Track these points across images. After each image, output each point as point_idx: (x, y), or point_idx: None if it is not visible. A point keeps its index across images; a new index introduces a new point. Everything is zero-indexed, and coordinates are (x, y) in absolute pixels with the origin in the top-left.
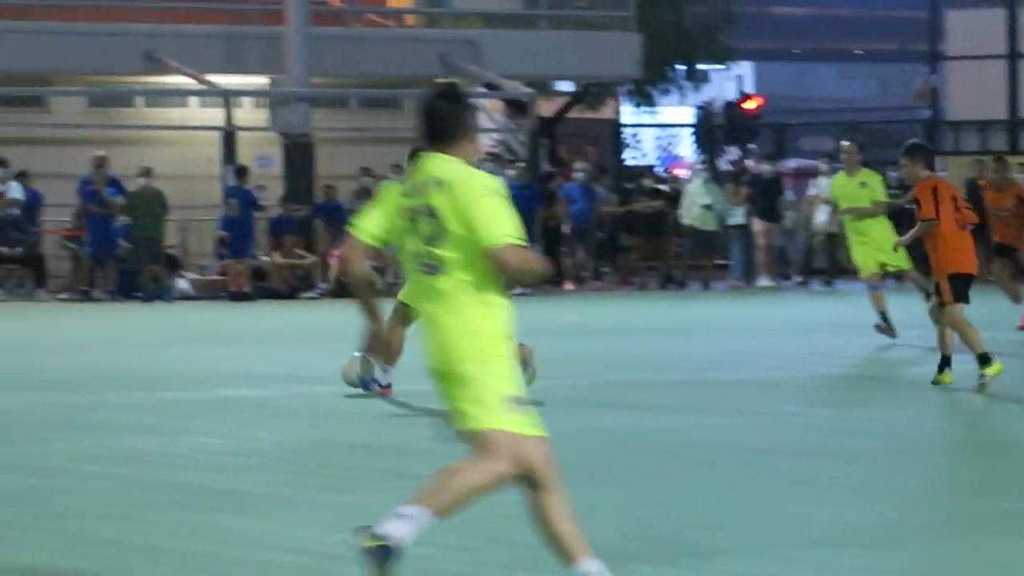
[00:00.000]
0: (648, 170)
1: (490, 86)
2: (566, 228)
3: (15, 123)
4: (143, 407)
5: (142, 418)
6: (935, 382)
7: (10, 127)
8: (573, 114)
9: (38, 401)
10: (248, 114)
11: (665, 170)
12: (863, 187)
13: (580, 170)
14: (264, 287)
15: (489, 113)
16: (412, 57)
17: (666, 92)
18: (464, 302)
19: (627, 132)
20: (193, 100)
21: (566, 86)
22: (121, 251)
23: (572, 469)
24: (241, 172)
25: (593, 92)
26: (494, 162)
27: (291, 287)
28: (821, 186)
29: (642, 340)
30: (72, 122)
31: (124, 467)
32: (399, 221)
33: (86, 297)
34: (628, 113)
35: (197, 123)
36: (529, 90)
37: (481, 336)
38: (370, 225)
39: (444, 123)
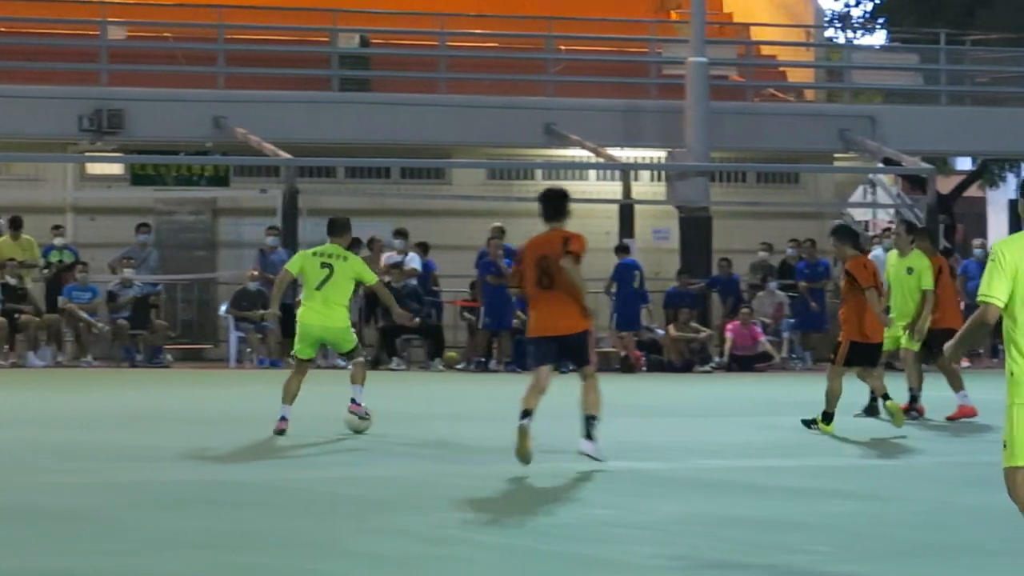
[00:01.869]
0: None
1: (888, 161)
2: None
3: (416, 195)
4: (531, 478)
5: (529, 488)
6: None
7: (411, 198)
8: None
9: (430, 471)
10: (645, 187)
11: None
12: None
13: (979, 247)
14: (658, 360)
15: (887, 188)
16: (811, 132)
17: None
18: None
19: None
20: (591, 173)
21: (963, 163)
22: (517, 323)
23: None
24: (623, 248)
25: (992, 169)
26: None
27: (686, 360)
28: None
29: None
30: (471, 194)
31: (516, 537)
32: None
33: (482, 368)
34: None
35: (595, 196)
36: (928, 166)
37: None
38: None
39: None
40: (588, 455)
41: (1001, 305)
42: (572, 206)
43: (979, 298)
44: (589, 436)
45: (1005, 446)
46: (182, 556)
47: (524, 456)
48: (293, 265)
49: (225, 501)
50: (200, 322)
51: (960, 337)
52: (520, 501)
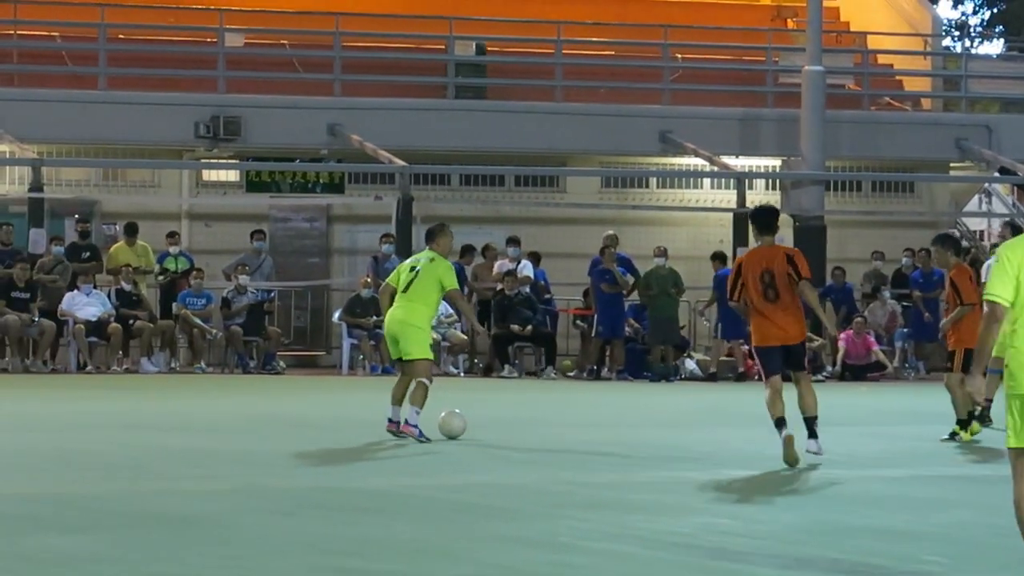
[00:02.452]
0: None
1: (1004, 171)
2: None
3: (531, 202)
4: (649, 485)
5: (647, 496)
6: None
7: (526, 206)
8: None
9: (547, 478)
10: (760, 196)
11: None
12: None
13: None
14: None
15: (1002, 197)
16: (927, 141)
17: None
18: None
19: None
20: (706, 181)
21: None
22: (630, 331)
23: None
24: (719, 257)
25: None
26: None
27: None
28: None
29: None
30: (586, 202)
31: (636, 545)
32: None
33: (595, 376)
34: None
35: (710, 204)
36: None
37: None
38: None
39: None
40: (814, 452)
41: (1007, 304)
42: (685, 215)
43: (985, 296)
44: (813, 435)
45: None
46: (299, 562)
47: (792, 461)
48: (393, 277)
49: (342, 507)
50: (313, 329)
51: (980, 344)
52: (638, 509)
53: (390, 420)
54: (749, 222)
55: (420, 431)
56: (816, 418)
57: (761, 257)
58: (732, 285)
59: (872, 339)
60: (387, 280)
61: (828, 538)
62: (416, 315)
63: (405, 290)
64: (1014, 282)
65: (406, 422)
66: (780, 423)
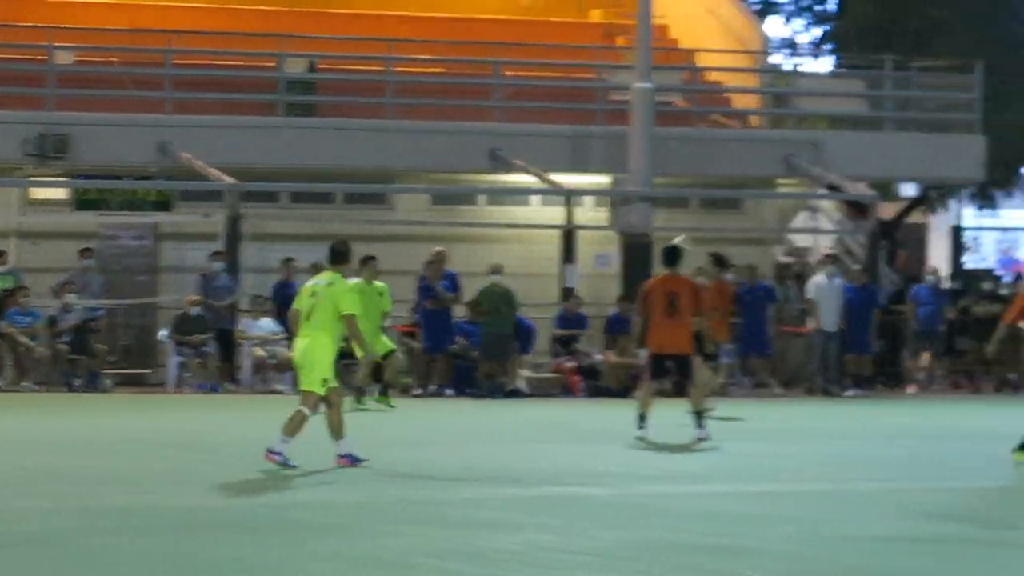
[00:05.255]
0: (987, 273)
1: (832, 187)
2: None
3: (360, 220)
4: (476, 502)
5: (479, 514)
6: None
7: (355, 223)
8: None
9: (376, 495)
10: (589, 213)
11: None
12: None
13: (931, 273)
14: (595, 385)
15: (829, 214)
16: (755, 157)
17: (1009, 195)
18: None
19: (965, 235)
20: (535, 199)
21: (908, 188)
22: (456, 347)
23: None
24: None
25: (935, 195)
26: (834, 263)
27: (624, 386)
28: None
29: (973, 444)
30: (415, 219)
31: (459, 562)
32: None
33: (428, 392)
34: (975, 215)
35: (538, 221)
36: (871, 192)
37: None
38: None
39: None
40: (702, 439)
41: None
42: (514, 232)
43: None
44: (700, 425)
45: None
46: None
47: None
48: (297, 301)
49: (172, 526)
50: (140, 347)
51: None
52: (465, 526)
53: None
54: (662, 256)
55: (284, 459)
56: (702, 412)
57: (667, 283)
58: (641, 302)
59: None
60: (293, 305)
61: (653, 554)
62: (315, 342)
63: (308, 317)
64: None
65: (269, 450)
66: (643, 418)
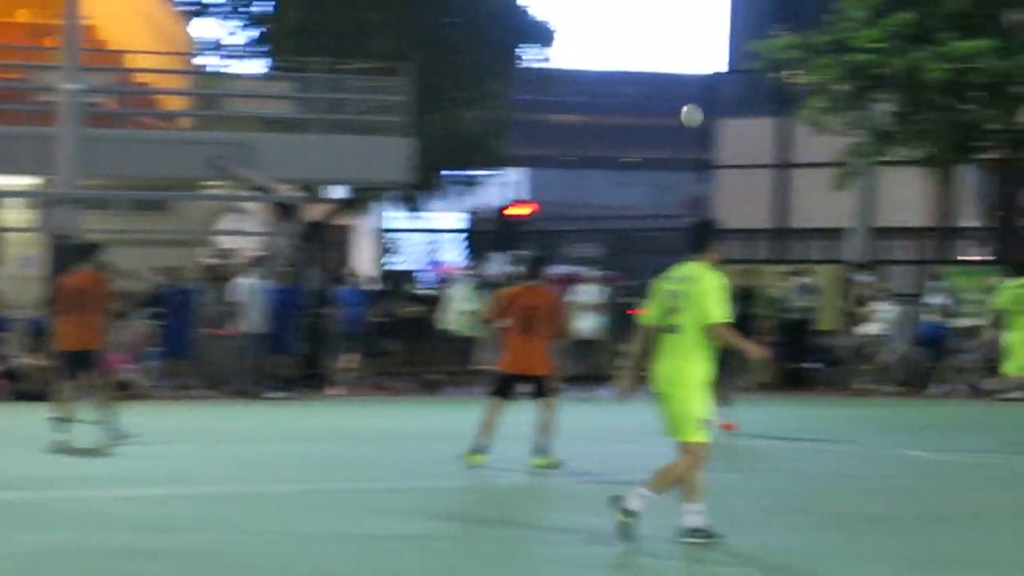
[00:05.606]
0: (408, 275)
1: (259, 189)
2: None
3: None
4: None
5: None
6: None
7: None
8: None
9: None
10: (18, 214)
11: (442, 276)
12: None
13: (351, 274)
14: (21, 389)
15: (256, 217)
16: (184, 159)
17: (431, 198)
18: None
19: (389, 237)
20: None
21: (337, 190)
22: None
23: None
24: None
25: (361, 197)
26: (260, 265)
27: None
28: (582, 292)
29: (396, 445)
30: None
31: None
32: None
33: None
34: (400, 218)
35: None
36: (298, 194)
37: None
38: None
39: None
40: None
41: None
42: None
43: None
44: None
45: None
46: None
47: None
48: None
49: None
50: None
51: None
52: None
53: None
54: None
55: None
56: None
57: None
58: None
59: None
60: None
61: (78, 559)
62: None
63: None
64: None
65: None
66: (63, 421)
